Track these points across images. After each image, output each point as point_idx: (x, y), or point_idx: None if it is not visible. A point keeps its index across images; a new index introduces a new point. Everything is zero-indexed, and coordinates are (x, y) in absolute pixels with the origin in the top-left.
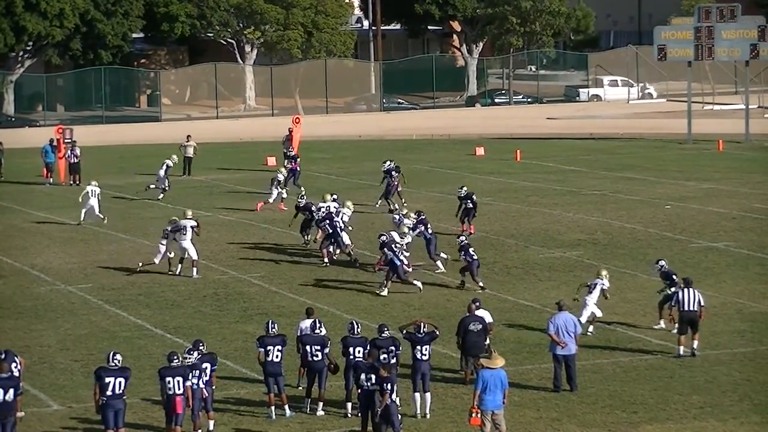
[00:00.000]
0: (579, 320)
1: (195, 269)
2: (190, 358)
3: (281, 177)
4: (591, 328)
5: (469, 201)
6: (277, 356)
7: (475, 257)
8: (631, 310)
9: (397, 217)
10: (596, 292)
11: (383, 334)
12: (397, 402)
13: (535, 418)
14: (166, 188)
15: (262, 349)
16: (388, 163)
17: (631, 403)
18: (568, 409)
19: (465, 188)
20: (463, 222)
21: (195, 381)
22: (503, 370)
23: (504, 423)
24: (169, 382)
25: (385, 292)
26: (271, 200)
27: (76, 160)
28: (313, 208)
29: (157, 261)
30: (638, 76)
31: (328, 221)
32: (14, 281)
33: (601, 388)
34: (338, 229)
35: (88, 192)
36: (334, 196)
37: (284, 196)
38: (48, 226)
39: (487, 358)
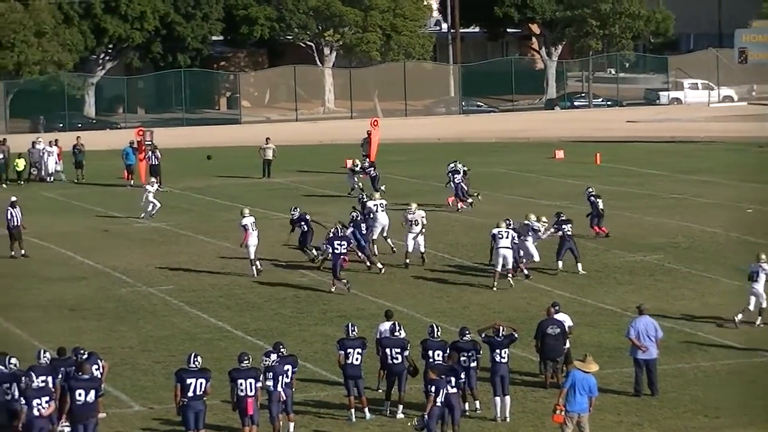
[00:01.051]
0: (657, 324)
1: (258, 263)
2: (267, 361)
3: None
4: (759, 320)
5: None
6: (357, 359)
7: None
8: (711, 313)
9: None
10: (762, 279)
11: (464, 337)
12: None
13: (615, 422)
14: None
15: (342, 352)
16: (452, 164)
17: (713, 408)
18: (649, 413)
19: (592, 189)
20: (592, 225)
21: (271, 384)
22: (594, 377)
23: (588, 427)
24: (240, 384)
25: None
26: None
27: (156, 162)
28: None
29: None
30: (719, 79)
31: (303, 222)
32: (96, 283)
33: (682, 392)
34: (312, 231)
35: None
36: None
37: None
38: (129, 227)
39: (581, 360)
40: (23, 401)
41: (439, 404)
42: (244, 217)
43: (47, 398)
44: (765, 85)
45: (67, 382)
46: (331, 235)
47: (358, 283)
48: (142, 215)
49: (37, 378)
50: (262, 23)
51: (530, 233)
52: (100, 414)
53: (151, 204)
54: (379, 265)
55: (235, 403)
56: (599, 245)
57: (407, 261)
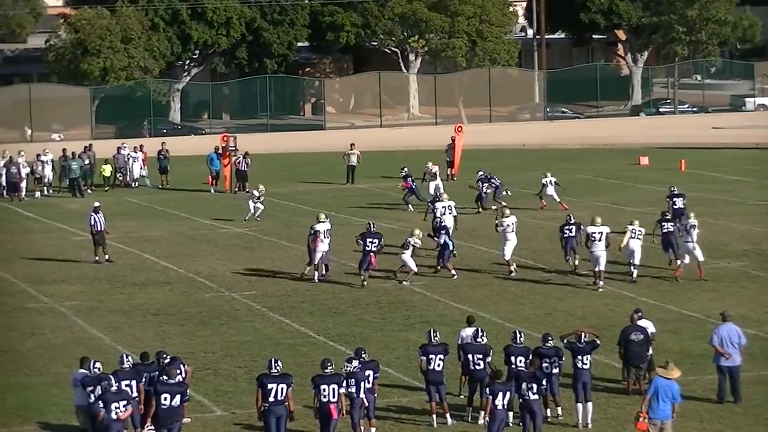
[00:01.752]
0: (740, 331)
1: (323, 269)
2: (349, 367)
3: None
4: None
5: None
6: (438, 365)
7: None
8: None
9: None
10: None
11: (547, 344)
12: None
13: (698, 429)
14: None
15: (424, 358)
16: (480, 172)
17: None
18: (732, 421)
19: (676, 188)
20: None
21: (353, 390)
22: (677, 383)
23: None
24: (324, 390)
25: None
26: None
27: (245, 168)
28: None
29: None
30: None
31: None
32: (180, 288)
33: (766, 400)
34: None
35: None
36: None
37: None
38: (213, 233)
39: (663, 367)
40: (101, 404)
41: (500, 407)
42: (319, 222)
43: (125, 402)
44: None
45: (152, 387)
46: (365, 231)
47: (441, 289)
48: (246, 218)
49: (118, 382)
50: (347, 29)
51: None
52: (185, 419)
53: (256, 208)
54: (453, 272)
55: (317, 409)
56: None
57: (512, 269)
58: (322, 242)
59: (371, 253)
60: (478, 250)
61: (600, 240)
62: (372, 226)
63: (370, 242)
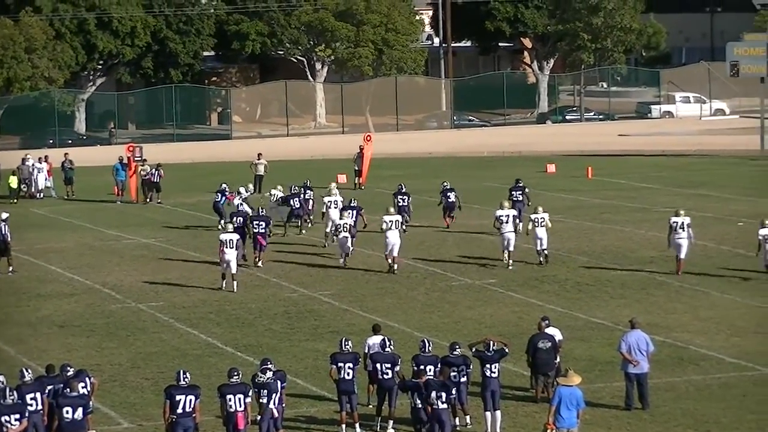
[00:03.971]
0: (648, 338)
1: (235, 283)
2: (263, 377)
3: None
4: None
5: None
6: (348, 373)
7: None
8: (704, 327)
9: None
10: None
11: (455, 352)
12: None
13: None
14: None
15: (334, 366)
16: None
17: (704, 422)
18: (640, 428)
19: (448, 183)
20: (445, 216)
21: (265, 400)
22: (579, 389)
23: None
24: (229, 400)
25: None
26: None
27: (158, 179)
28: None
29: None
30: (710, 93)
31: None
32: (86, 299)
33: (674, 406)
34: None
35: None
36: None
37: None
38: (119, 243)
39: (563, 376)
40: None
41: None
42: (224, 232)
43: (17, 415)
44: (755, 98)
45: (54, 400)
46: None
47: (349, 298)
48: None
49: (21, 396)
50: (253, 38)
51: None
52: (90, 431)
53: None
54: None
55: (225, 419)
56: (591, 258)
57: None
58: (227, 252)
59: (259, 236)
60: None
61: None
62: (261, 210)
63: (257, 224)
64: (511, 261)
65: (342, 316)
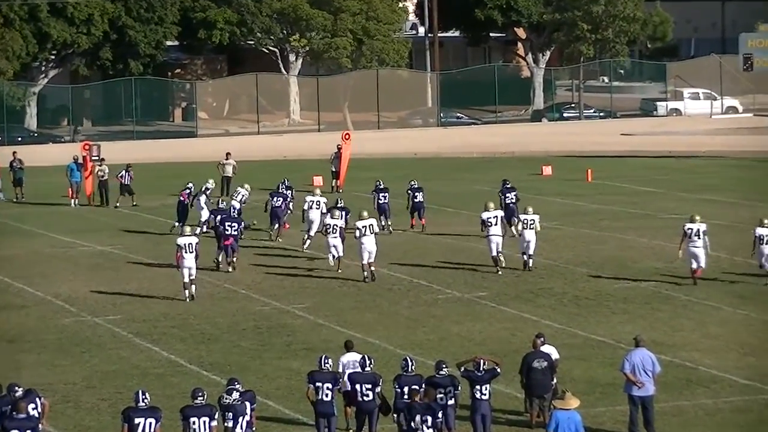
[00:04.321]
0: (654, 358)
1: (194, 287)
2: (229, 399)
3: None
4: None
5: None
6: (327, 395)
7: None
8: (714, 346)
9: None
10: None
11: (441, 372)
12: None
13: None
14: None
15: (312, 386)
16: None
17: None
18: None
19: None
20: (413, 216)
21: (231, 423)
22: (578, 413)
23: None
24: (193, 423)
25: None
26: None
27: (129, 182)
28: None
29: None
30: (722, 88)
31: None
32: (37, 312)
33: None
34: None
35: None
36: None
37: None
38: (74, 251)
39: (560, 398)
40: None
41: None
42: (182, 236)
43: None
44: None
45: (1, 423)
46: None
47: (325, 312)
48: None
49: None
50: (221, 27)
51: None
52: None
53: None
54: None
55: None
56: (590, 270)
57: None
58: (186, 258)
59: (231, 237)
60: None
61: (698, 237)
62: (232, 210)
63: (229, 226)
64: (501, 264)
65: (318, 331)
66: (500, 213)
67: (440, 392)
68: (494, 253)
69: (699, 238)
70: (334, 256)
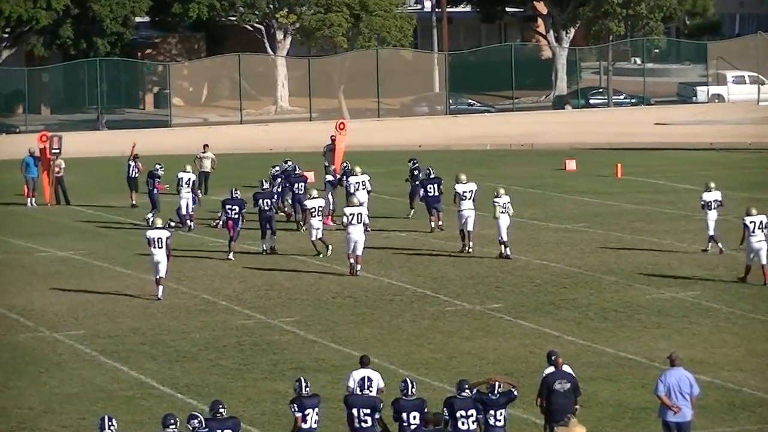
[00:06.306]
0: (692, 378)
1: (161, 288)
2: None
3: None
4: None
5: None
6: (315, 420)
7: None
8: (761, 365)
9: None
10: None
11: (463, 393)
12: None
13: None
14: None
15: (300, 414)
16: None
17: None
18: None
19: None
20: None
21: None
22: None
23: None
24: None
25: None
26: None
27: (136, 174)
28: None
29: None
30: None
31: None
32: None
33: None
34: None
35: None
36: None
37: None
38: (30, 257)
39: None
40: None
41: None
42: (151, 228)
43: None
44: None
45: None
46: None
47: (317, 326)
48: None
49: None
50: (198, 1)
51: None
52: None
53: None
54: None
55: None
56: (620, 278)
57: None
58: (157, 253)
59: (230, 221)
60: (364, 277)
61: (761, 230)
62: (234, 191)
63: (229, 209)
64: (470, 244)
65: (308, 349)
66: (474, 186)
67: (461, 415)
68: (468, 229)
69: (761, 230)
70: (316, 237)
